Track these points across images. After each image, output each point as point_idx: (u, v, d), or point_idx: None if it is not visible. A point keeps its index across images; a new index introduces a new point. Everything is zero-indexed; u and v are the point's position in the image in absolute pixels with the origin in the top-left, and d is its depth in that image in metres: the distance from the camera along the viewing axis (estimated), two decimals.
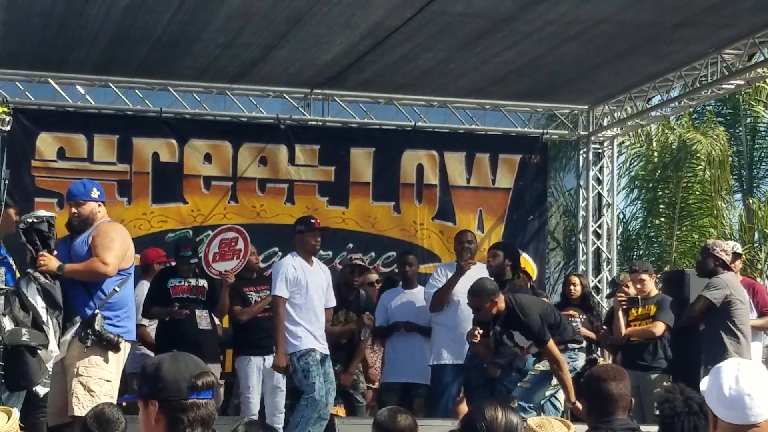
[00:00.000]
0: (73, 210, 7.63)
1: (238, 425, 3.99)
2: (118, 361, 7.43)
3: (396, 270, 11.70)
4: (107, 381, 7.33)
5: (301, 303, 9.17)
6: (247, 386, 10.31)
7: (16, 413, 5.07)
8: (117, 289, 7.41)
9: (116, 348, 7.33)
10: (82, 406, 7.27)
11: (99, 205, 7.59)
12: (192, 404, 3.46)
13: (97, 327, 7.25)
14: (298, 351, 9.07)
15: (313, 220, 9.55)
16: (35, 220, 7.45)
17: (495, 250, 10.19)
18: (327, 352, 9.27)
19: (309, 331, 9.12)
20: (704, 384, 3.40)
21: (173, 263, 10.66)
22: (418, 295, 10.65)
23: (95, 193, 7.59)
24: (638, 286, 10.44)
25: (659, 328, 10.23)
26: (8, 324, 7.27)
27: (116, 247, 7.40)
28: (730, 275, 9.89)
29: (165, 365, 3.53)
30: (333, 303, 9.62)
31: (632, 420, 5.44)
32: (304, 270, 9.26)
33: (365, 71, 11.89)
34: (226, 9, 10.01)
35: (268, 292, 10.13)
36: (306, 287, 9.20)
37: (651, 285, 10.41)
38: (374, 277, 11.70)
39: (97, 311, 7.32)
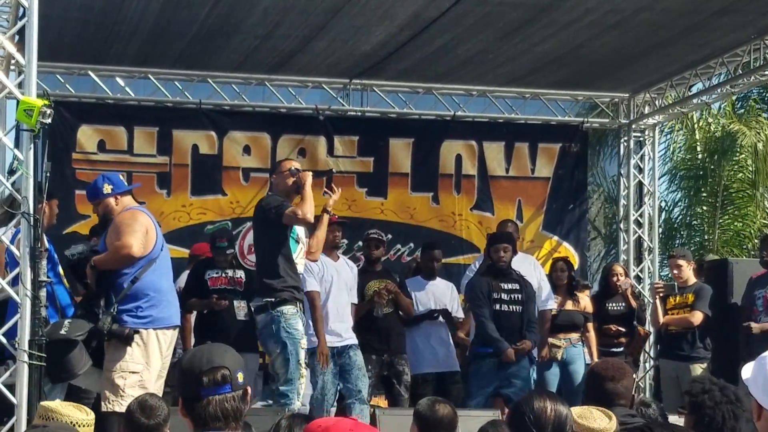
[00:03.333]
0: (94, 210, 7.95)
1: (281, 418, 3.98)
2: (146, 349, 7.43)
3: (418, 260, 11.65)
4: (133, 372, 7.35)
5: (322, 298, 9.16)
6: None
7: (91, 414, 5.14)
8: (136, 278, 7.42)
9: (127, 342, 7.32)
10: (107, 401, 7.37)
11: (115, 199, 7.64)
12: (205, 401, 3.43)
13: (99, 325, 7.29)
14: (309, 348, 8.89)
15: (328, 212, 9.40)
16: (83, 254, 7.60)
17: (504, 245, 9.96)
18: (349, 343, 9.21)
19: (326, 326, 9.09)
20: (747, 372, 3.34)
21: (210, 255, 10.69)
22: (439, 286, 10.69)
23: (107, 189, 7.65)
24: (675, 271, 10.40)
25: (697, 317, 10.17)
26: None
27: (135, 230, 7.43)
28: None
29: (184, 360, 3.53)
30: (354, 300, 9.64)
31: (637, 411, 5.47)
32: (326, 265, 9.21)
33: (404, 61, 11.86)
34: (264, 1, 10.00)
35: None
36: (329, 282, 9.16)
37: (688, 272, 10.35)
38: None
39: (113, 308, 7.34)
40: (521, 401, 4.14)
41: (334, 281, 9.30)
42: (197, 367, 3.45)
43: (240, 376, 3.48)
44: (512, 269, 9.88)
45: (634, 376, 10.90)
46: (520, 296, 9.71)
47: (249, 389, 3.55)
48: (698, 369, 9.96)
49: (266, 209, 8.16)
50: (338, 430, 3.45)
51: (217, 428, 3.44)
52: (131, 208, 7.66)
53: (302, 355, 8.07)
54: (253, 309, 8.45)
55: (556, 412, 4.01)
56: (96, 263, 7.54)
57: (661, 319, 10.31)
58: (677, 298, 10.33)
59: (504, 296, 9.73)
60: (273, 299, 8.01)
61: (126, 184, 7.91)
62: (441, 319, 10.62)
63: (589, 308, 10.90)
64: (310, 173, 8.28)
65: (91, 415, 5.27)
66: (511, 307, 9.70)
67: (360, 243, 11.55)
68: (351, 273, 9.69)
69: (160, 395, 7.46)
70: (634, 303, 10.90)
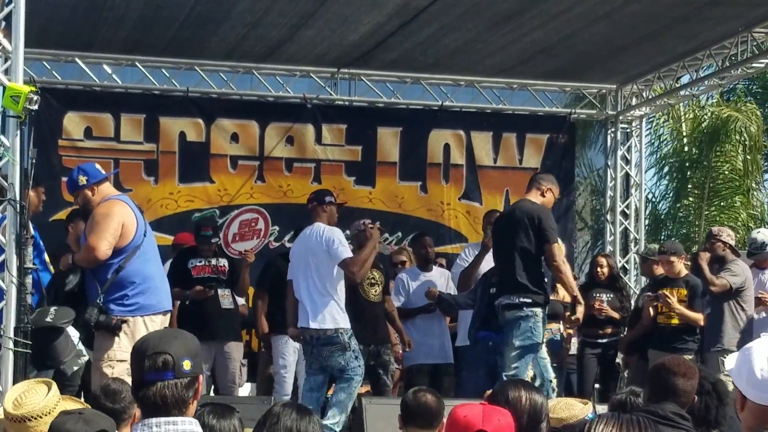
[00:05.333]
0: (74, 202, 8.01)
1: (273, 406, 3.97)
2: (134, 338, 7.41)
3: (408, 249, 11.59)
4: (121, 361, 7.35)
5: (341, 276, 8.96)
6: (282, 365, 10.22)
7: (55, 386, 5.12)
8: (121, 267, 7.42)
9: (113, 331, 7.33)
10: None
11: (92, 190, 7.60)
12: (147, 386, 3.40)
13: (86, 316, 7.31)
14: (349, 330, 8.87)
15: (336, 194, 9.53)
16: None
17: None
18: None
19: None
20: (731, 363, 3.35)
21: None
22: (434, 276, 10.63)
23: (82, 180, 7.61)
24: (666, 267, 10.41)
25: (700, 319, 10.17)
26: None
27: (103, 229, 7.39)
28: (742, 262, 9.96)
29: (135, 344, 3.52)
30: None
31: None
32: None
33: (392, 51, 11.84)
34: None
35: None
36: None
37: (680, 266, 10.35)
38: (402, 258, 11.63)
39: (99, 299, 7.36)
40: (497, 391, 4.14)
41: None
42: (143, 351, 3.43)
43: (186, 364, 3.41)
44: None
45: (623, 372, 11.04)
46: None
47: (201, 377, 3.50)
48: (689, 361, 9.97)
49: (543, 222, 8.71)
50: (471, 414, 3.72)
51: (158, 415, 3.40)
52: (109, 198, 7.63)
53: (531, 358, 8.68)
54: (502, 305, 8.83)
55: (531, 400, 4.01)
56: (75, 261, 7.59)
57: (651, 316, 10.31)
58: (667, 290, 10.32)
59: None
60: (529, 300, 8.60)
61: (102, 172, 7.83)
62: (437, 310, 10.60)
63: (567, 299, 10.96)
64: None
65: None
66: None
67: (347, 231, 11.48)
68: None
69: None
70: (617, 315, 10.92)
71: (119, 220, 7.45)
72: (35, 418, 4.95)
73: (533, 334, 8.67)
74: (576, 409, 4.77)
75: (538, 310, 8.69)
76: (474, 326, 9.82)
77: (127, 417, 5.59)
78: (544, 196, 8.98)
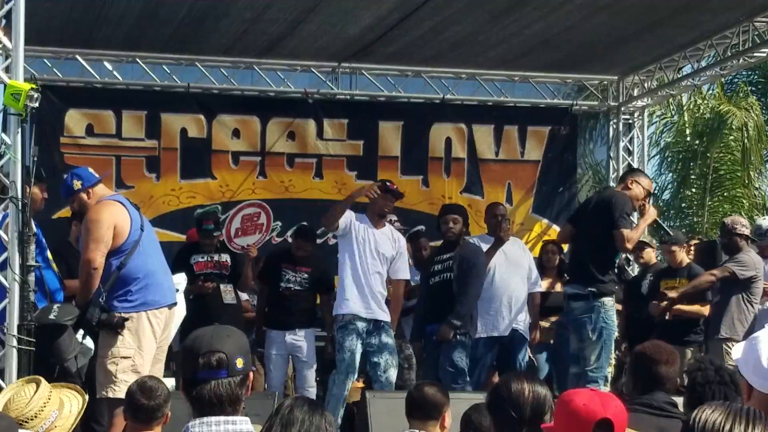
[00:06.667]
0: (70, 207, 8.15)
1: (285, 400, 4.00)
2: (138, 334, 7.43)
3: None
4: (125, 357, 7.37)
5: (354, 260, 9.02)
6: (269, 359, 10.37)
7: (44, 383, 5.11)
8: (123, 264, 7.42)
9: (115, 329, 7.34)
10: (102, 387, 7.37)
11: (87, 193, 7.64)
12: (200, 385, 3.42)
13: (88, 315, 7.32)
14: (340, 322, 8.98)
15: (388, 183, 9.49)
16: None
17: (454, 215, 9.87)
18: (382, 317, 9.07)
19: (357, 293, 8.98)
20: (738, 352, 3.34)
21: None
22: None
23: (77, 185, 7.65)
24: (668, 257, 10.41)
25: (703, 310, 10.17)
26: None
27: (92, 239, 7.41)
28: (755, 253, 9.94)
29: (187, 341, 3.53)
30: (404, 275, 9.50)
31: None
32: (365, 227, 9.12)
33: (393, 44, 11.83)
34: None
35: (306, 274, 10.21)
36: (363, 244, 9.07)
37: (681, 256, 10.34)
38: None
39: (101, 297, 7.36)
40: (499, 384, 4.12)
41: (368, 245, 9.12)
42: (196, 349, 3.45)
43: (239, 362, 3.46)
44: (461, 242, 9.71)
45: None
46: (451, 263, 9.54)
47: (251, 375, 3.54)
48: (688, 353, 9.97)
49: (615, 208, 8.67)
50: (579, 397, 3.67)
51: (212, 413, 3.43)
52: (104, 200, 7.65)
53: (613, 345, 8.78)
54: (568, 294, 8.91)
55: (534, 393, 3.98)
56: (79, 300, 7.57)
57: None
58: (668, 282, 10.31)
59: (437, 267, 9.67)
60: (595, 289, 8.61)
61: (96, 175, 7.84)
62: None
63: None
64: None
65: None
66: (442, 276, 9.57)
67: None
68: (393, 244, 9.38)
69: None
70: (618, 306, 10.92)
71: (108, 223, 7.46)
72: (29, 420, 4.95)
73: (606, 324, 8.68)
74: None
75: (606, 300, 8.67)
76: (420, 322, 9.67)
77: (161, 415, 5.62)
78: (629, 188, 8.95)
